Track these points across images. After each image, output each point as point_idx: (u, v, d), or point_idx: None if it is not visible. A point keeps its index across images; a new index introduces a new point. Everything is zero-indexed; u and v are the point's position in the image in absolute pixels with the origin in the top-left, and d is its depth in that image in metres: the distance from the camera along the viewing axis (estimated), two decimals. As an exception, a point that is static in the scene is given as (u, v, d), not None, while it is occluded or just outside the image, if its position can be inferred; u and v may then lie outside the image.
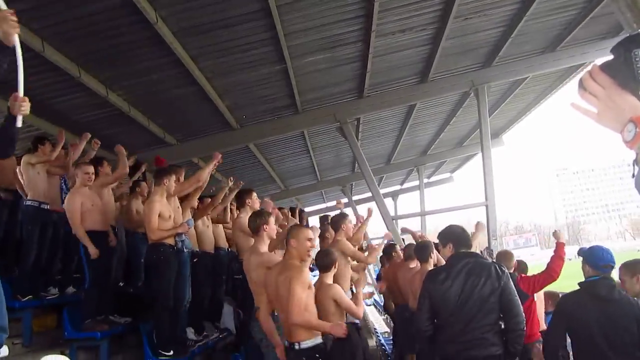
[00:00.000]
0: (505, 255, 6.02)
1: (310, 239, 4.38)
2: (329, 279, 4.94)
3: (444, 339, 3.89)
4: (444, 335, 3.89)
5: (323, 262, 4.97)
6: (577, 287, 3.89)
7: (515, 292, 3.79)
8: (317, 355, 4.12)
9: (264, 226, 5.09)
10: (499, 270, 3.78)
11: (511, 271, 5.75)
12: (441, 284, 3.88)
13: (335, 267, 4.97)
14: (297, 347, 4.13)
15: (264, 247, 5.13)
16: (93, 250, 5.79)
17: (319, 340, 4.19)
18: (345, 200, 16.64)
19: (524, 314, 3.80)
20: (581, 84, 1.23)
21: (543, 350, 4.17)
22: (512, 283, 3.80)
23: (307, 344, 4.13)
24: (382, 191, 15.18)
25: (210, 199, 7.59)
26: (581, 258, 3.98)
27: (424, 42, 9.31)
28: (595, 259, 3.84)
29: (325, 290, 4.85)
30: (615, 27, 10.11)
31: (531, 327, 5.07)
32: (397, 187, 24.73)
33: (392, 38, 8.77)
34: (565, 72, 12.37)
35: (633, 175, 1.14)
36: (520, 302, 3.81)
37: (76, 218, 5.87)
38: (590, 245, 4.26)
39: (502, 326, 3.79)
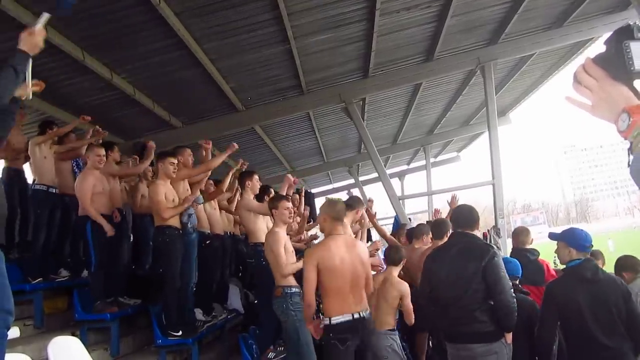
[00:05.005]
0: (522, 232, 6.01)
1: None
2: (396, 272, 5.18)
3: (439, 313, 4.06)
4: (439, 310, 4.05)
5: (394, 257, 5.26)
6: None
7: (501, 270, 3.78)
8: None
9: (273, 210, 5.22)
10: (484, 251, 3.82)
11: (527, 246, 5.83)
12: (434, 263, 4.11)
13: (402, 264, 5.37)
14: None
15: (276, 228, 5.26)
16: (108, 228, 5.88)
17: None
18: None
19: (510, 292, 3.77)
20: (575, 78, 1.25)
21: (536, 345, 4.13)
22: (498, 261, 3.80)
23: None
24: (388, 171, 15.16)
25: (217, 185, 7.63)
26: (558, 242, 3.91)
27: (429, 20, 9.20)
28: (581, 240, 3.82)
29: (396, 284, 5.02)
30: (623, 1, 9.95)
31: None
32: (404, 167, 24.64)
33: (397, 16, 8.66)
34: (572, 47, 12.18)
35: (628, 164, 1.16)
36: (506, 281, 3.80)
37: (87, 198, 5.94)
38: (569, 227, 4.17)
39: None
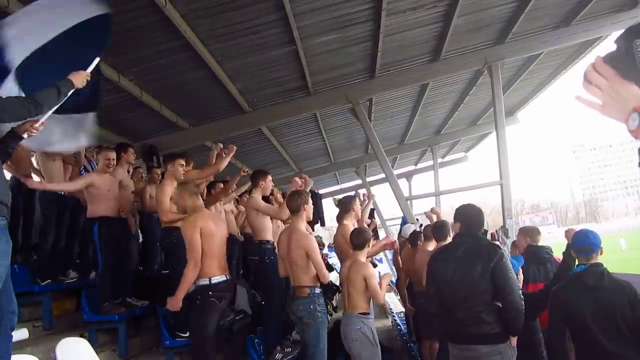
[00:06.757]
0: (534, 230, 5.74)
1: None
2: (362, 256, 5.11)
3: (445, 315, 4.03)
4: (445, 311, 4.01)
5: (357, 241, 5.17)
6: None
7: (509, 271, 3.73)
8: None
9: (304, 206, 5.14)
10: (491, 252, 3.78)
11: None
12: (440, 263, 4.05)
13: (368, 246, 5.24)
14: None
15: (303, 226, 5.18)
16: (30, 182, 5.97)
17: None
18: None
19: (519, 294, 3.74)
20: (585, 77, 1.25)
21: (547, 350, 4.10)
22: (506, 262, 3.74)
23: None
24: (395, 172, 15.13)
25: (222, 185, 7.63)
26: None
27: (435, 20, 9.18)
28: (578, 243, 3.78)
29: (359, 267, 4.97)
30: (632, -1, 9.91)
31: None
32: (411, 168, 24.62)
33: (403, 16, 8.65)
34: (580, 46, 12.12)
35: (639, 164, 1.16)
36: (515, 282, 3.76)
37: (68, 185, 6.22)
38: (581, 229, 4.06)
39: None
